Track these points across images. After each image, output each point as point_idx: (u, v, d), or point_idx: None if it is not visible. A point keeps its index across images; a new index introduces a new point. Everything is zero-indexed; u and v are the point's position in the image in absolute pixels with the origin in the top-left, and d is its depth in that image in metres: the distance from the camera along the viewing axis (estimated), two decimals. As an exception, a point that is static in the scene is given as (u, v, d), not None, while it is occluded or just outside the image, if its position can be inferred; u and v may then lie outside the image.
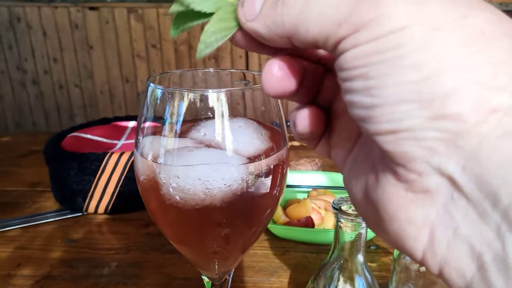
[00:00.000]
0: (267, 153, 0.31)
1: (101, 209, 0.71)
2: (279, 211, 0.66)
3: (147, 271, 0.58)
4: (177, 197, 0.28)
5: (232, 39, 0.21)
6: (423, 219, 0.16)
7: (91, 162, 0.69)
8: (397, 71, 0.15)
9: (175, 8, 0.21)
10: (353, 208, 0.36)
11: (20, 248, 0.63)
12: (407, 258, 0.40)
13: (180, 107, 0.29)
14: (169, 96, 0.29)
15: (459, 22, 0.15)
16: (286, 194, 0.71)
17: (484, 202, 0.15)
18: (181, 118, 0.29)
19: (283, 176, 0.32)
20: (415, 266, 0.39)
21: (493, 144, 0.14)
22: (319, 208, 0.66)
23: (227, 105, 0.28)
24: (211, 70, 0.37)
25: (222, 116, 0.28)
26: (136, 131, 0.32)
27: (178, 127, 0.29)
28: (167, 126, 0.29)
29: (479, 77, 0.15)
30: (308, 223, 0.63)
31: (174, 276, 0.57)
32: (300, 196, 0.73)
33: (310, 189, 0.73)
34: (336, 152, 0.23)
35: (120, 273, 0.57)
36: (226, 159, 0.28)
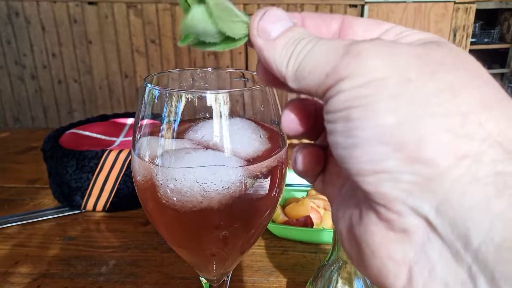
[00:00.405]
0: (266, 155, 0.30)
1: (100, 206, 0.71)
2: (278, 210, 0.66)
3: (146, 269, 0.58)
4: (175, 199, 0.28)
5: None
6: (403, 257, 0.17)
7: (89, 159, 0.69)
8: (374, 115, 0.17)
9: (185, 42, 0.22)
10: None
11: (18, 246, 0.63)
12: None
13: (177, 108, 0.28)
14: (167, 96, 0.28)
15: (430, 76, 0.17)
16: (285, 193, 0.71)
17: (457, 243, 0.15)
18: (179, 119, 0.28)
19: (282, 177, 0.32)
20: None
21: (463, 189, 0.15)
22: (318, 207, 0.66)
23: (225, 106, 0.28)
24: (210, 69, 0.36)
25: (220, 117, 0.28)
26: (133, 131, 0.31)
27: (175, 128, 0.29)
28: (164, 127, 0.29)
29: (449, 125, 0.16)
30: (307, 222, 0.63)
31: (173, 275, 0.56)
32: (299, 195, 0.73)
33: (309, 188, 0.73)
34: (328, 189, 0.24)
35: (118, 271, 0.57)
36: (224, 161, 0.28)
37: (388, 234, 0.18)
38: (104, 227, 0.68)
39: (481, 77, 0.18)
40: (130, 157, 0.69)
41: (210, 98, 0.27)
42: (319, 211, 0.65)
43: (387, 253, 0.18)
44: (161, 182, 0.28)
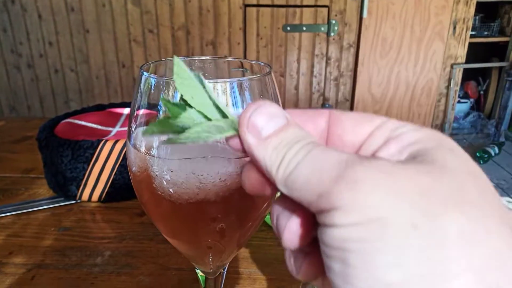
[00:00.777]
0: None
1: (95, 197, 0.70)
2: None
3: (141, 260, 0.57)
4: (170, 191, 0.27)
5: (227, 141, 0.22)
6: None
7: (84, 149, 0.68)
8: (376, 269, 0.15)
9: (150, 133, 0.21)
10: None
11: (12, 236, 0.63)
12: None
13: (175, 97, 0.27)
14: (164, 85, 0.28)
15: (437, 223, 0.15)
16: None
17: None
18: (176, 109, 0.28)
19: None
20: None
21: None
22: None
23: (223, 96, 0.27)
24: (208, 58, 0.35)
25: (218, 107, 0.27)
26: (129, 121, 0.30)
27: (172, 118, 0.28)
28: (161, 117, 0.28)
29: (461, 287, 0.14)
30: (305, 214, 0.62)
31: (168, 266, 0.56)
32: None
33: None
34: None
35: (114, 262, 0.57)
36: (221, 152, 0.27)
37: None
38: (100, 218, 0.68)
39: (492, 216, 0.16)
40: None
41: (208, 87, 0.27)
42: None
43: None
44: (157, 173, 0.27)
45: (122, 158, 0.69)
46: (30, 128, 1.06)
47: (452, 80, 3.16)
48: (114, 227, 0.65)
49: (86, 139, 0.69)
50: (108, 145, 0.68)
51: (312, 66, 3.05)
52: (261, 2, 2.84)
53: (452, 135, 3.39)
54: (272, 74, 0.31)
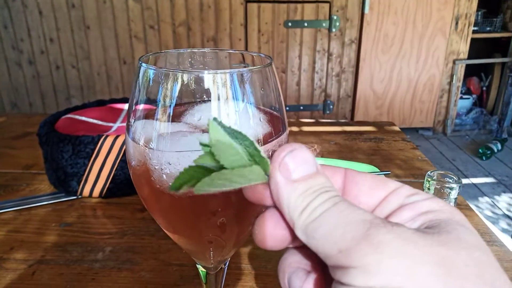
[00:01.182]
0: (265, 139, 0.29)
1: (96, 193, 0.70)
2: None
3: (142, 256, 0.57)
4: (169, 184, 0.27)
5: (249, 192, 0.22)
6: None
7: (85, 145, 0.68)
8: None
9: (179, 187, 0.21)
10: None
11: (13, 231, 0.62)
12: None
13: (174, 89, 0.27)
14: (162, 77, 0.27)
15: None
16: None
17: None
18: (175, 101, 0.27)
19: (282, 163, 0.31)
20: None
21: None
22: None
23: (224, 88, 0.27)
24: (208, 50, 0.35)
25: (218, 99, 0.27)
26: (128, 114, 0.30)
27: (171, 111, 0.27)
28: (159, 110, 0.28)
29: None
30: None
31: (169, 262, 0.56)
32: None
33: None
34: None
35: (115, 258, 0.57)
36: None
37: None
38: (101, 213, 0.68)
39: None
40: (127, 143, 0.67)
41: (208, 78, 0.26)
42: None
43: None
44: (156, 166, 0.27)
45: (123, 153, 0.68)
46: (31, 124, 1.06)
47: (454, 76, 3.15)
48: (115, 223, 0.65)
49: (86, 135, 0.69)
50: (109, 140, 0.68)
51: (314, 62, 3.03)
52: (262, -2, 2.83)
53: (454, 131, 3.38)
54: (273, 65, 0.30)
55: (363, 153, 0.92)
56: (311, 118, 3.13)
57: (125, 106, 0.89)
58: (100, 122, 0.81)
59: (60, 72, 3.01)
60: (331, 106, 3.16)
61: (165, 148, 0.27)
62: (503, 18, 3.39)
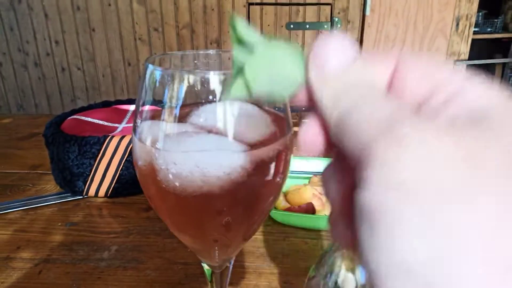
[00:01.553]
0: (270, 140, 0.30)
1: (102, 192, 0.71)
2: (279, 196, 0.66)
3: (147, 255, 0.58)
4: (175, 184, 0.27)
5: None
6: None
7: (91, 145, 0.69)
8: (401, 242, 0.14)
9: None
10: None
11: (20, 231, 0.63)
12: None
13: (180, 90, 0.28)
14: (169, 78, 0.28)
15: (474, 200, 0.13)
16: (287, 179, 0.70)
17: None
18: (181, 102, 0.28)
19: (287, 164, 0.32)
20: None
21: None
22: (320, 194, 0.65)
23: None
24: (213, 51, 0.36)
25: (224, 99, 0.27)
26: (134, 115, 0.31)
27: (177, 111, 0.28)
28: (166, 110, 0.28)
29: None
30: (309, 209, 0.62)
31: (175, 260, 0.56)
32: (301, 182, 0.72)
33: (311, 175, 0.73)
34: None
35: (120, 257, 0.57)
36: (226, 145, 0.27)
37: None
38: (106, 213, 0.68)
39: None
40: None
41: (214, 79, 0.27)
42: (321, 198, 0.64)
43: None
44: (162, 166, 0.28)
45: (128, 153, 0.69)
46: (37, 125, 1.07)
47: (457, 77, 3.14)
48: (120, 222, 0.65)
49: (92, 135, 0.70)
50: (114, 141, 0.69)
51: (317, 63, 3.03)
52: (264, 1, 2.83)
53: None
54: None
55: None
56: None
57: (130, 107, 0.90)
58: (105, 123, 0.82)
59: (66, 74, 3.03)
60: (335, 108, 3.16)
61: (171, 148, 0.28)
62: (504, 19, 3.37)
